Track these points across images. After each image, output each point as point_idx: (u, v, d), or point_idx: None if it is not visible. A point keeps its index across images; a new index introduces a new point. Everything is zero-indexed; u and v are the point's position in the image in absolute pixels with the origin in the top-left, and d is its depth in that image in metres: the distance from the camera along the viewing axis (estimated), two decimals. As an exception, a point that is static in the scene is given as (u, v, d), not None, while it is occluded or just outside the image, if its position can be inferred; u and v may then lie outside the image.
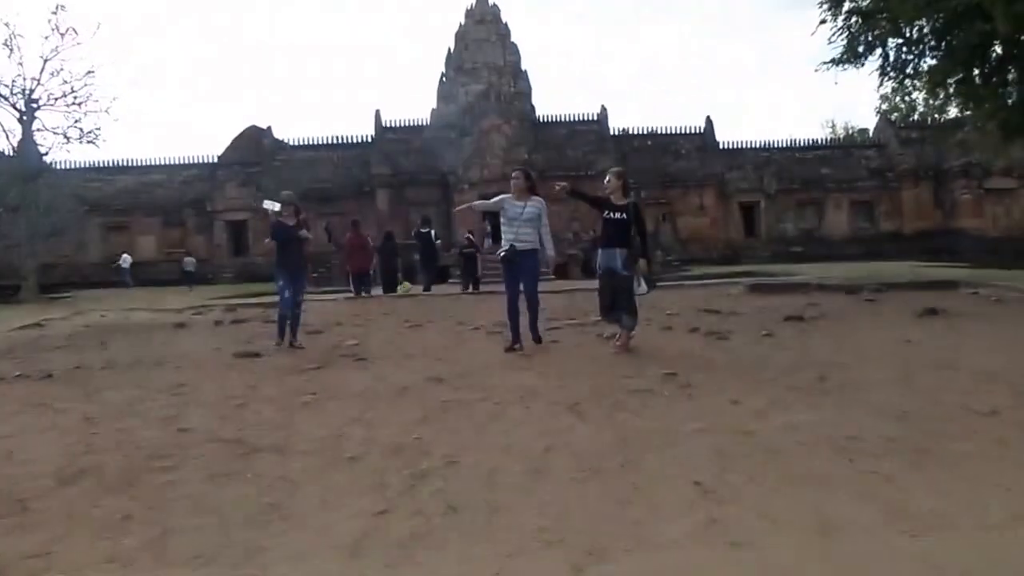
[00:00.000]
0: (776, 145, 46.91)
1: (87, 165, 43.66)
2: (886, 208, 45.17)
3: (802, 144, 47.83)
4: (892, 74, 22.93)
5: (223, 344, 10.79)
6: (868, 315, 11.49)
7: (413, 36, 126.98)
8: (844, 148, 48.35)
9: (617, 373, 7.35)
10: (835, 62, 22.45)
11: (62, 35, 27.19)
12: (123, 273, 38.54)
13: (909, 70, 22.62)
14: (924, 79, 22.31)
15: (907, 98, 66.86)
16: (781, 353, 8.31)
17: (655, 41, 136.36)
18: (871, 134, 51.34)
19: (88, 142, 28.03)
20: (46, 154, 29.98)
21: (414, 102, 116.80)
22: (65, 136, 27.89)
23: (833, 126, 76.98)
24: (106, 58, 52.81)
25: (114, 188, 43.56)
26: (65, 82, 27.37)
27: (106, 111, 28.98)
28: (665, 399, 6.16)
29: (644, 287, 8.88)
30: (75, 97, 27.39)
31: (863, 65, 22.55)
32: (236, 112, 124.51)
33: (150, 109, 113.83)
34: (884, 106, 68.46)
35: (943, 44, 21.11)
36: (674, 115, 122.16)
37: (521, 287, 9.05)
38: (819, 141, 50.96)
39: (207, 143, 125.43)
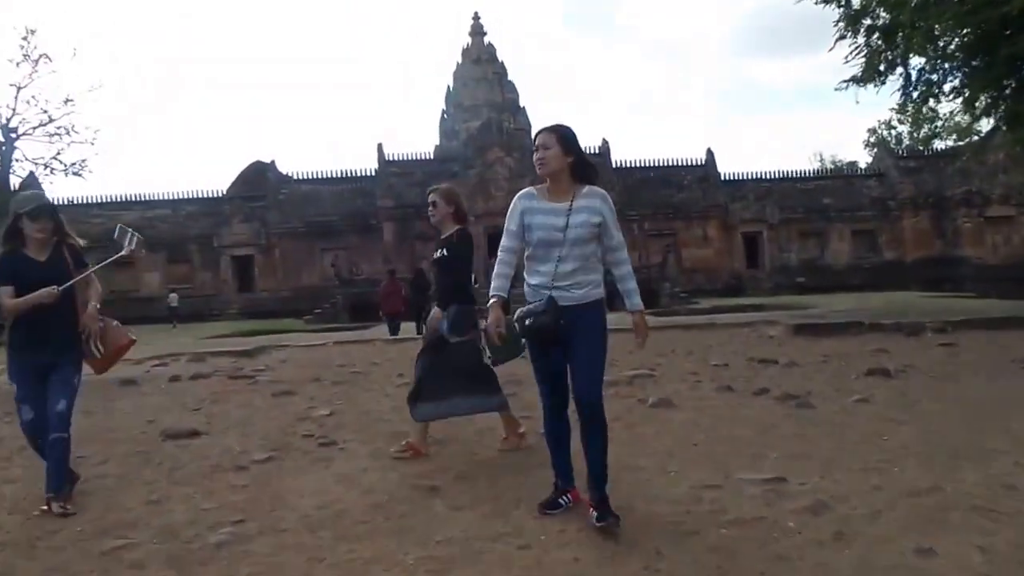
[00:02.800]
0: (777, 176, 44.49)
1: (90, 200, 41.21)
2: (887, 237, 42.78)
3: (803, 175, 45.45)
4: (915, 93, 20.49)
5: (161, 413, 8.10)
6: (961, 366, 8.80)
7: (415, 73, 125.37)
8: (845, 178, 46.01)
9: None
10: (855, 81, 20.06)
11: (35, 62, 24.63)
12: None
13: (935, 87, 20.13)
14: (955, 97, 19.82)
15: (892, 131, 65.36)
16: (900, 431, 5.64)
17: (651, 76, 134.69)
18: (870, 163, 48.97)
19: (74, 174, 25.44)
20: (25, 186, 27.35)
21: (416, 138, 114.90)
22: (47, 167, 25.27)
23: (821, 159, 74.94)
24: (86, 86, 49.61)
25: (117, 223, 40.97)
26: (44, 111, 24.80)
27: (91, 143, 26.41)
28: (806, 542, 3.48)
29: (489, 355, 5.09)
30: (56, 127, 24.83)
31: (884, 83, 20.13)
32: (242, 148, 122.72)
33: (156, 144, 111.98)
34: (872, 139, 66.68)
35: (974, 61, 18.66)
36: (673, 148, 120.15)
37: (570, 380, 4.01)
38: (819, 171, 48.70)
39: (213, 179, 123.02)
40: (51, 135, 25.00)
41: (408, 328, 19.65)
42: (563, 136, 3.92)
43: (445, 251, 5.60)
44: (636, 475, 4.83)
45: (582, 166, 3.97)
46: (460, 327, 5.53)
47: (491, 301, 3.96)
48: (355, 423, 7.07)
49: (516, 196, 4.06)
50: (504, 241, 3.99)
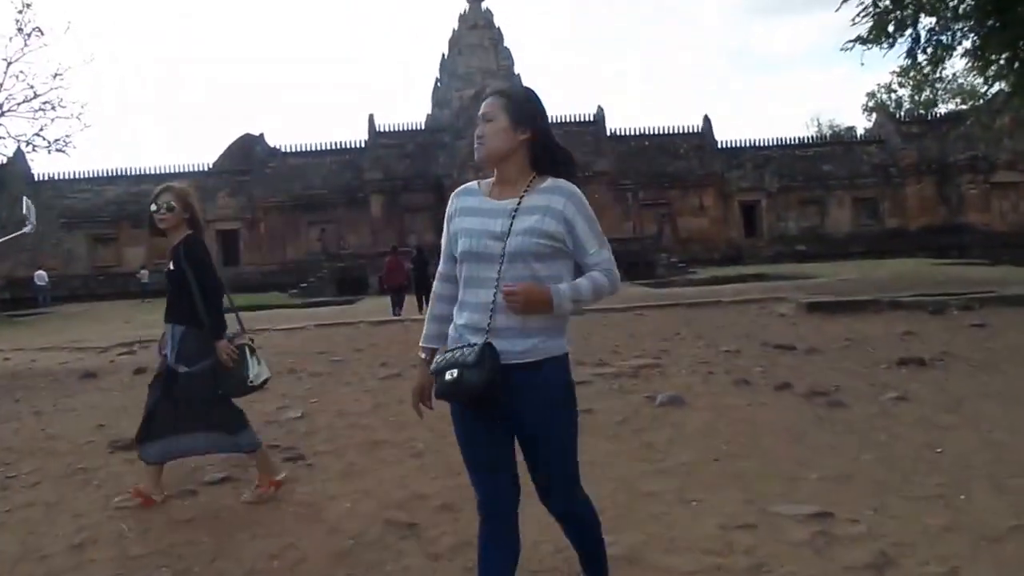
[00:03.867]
0: (775, 143, 43.52)
1: (75, 175, 40.20)
2: (890, 204, 41.95)
3: (802, 141, 44.48)
4: (923, 56, 19.63)
5: (115, 416, 7.30)
6: (1000, 352, 8.02)
7: (408, 42, 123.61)
8: (845, 144, 44.95)
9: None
10: (862, 41, 19.15)
11: (27, 36, 23.55)
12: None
13: (945, 49, 19.25)
14: (968, 59, 18.97)
15: (892, 94, 64.25)
16: (954, 441, 4.87)
17: (648, 42, 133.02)
18: (870, 129, 47.94)
19: (57, 150, 24.41)
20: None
21: (408, 108, 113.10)
22: (30, 144, 24.25)
23: (819, 124, 73.78)
24: (77, 61, 48.06)
25: (102, 199, 40.05)
26: (30, 86, 23.73)
27: (77, 117, 25.33)
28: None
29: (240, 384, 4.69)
30: (42, 103, 23.77)
31: (892, 46, 19.24)
32: (233, 121, 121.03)
33: (145, 119, 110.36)
34: (871, 103, 65.56)
35: (988, 21, 17.78)
36: (671, 115, 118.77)
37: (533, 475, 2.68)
38: (818, 138, 47.75)
39: (202, 153, 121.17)
40: (35, 111, 23.89)
41: (410, 310, 18.97)
42: (515, 103, 2.54)
43: (173, 264, 4.59)
44: (649, 506, 4.06)
45: (545, 149, 2.54)
46: (190, 355, 4.55)
47: (422, 355, 2.71)
48: (328, 428, 6.29)
49: (453, 193, 2.72)
50: (440, 266, 2.72)
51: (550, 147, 2.55)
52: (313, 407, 7.14)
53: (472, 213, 2.55)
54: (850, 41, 19.74)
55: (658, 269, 33.05)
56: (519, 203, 2.47)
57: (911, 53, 19.54)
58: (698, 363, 8.25)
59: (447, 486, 4.59)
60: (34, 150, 24.54)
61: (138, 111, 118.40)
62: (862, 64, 56.61)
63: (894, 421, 5.43)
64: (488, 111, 2.54)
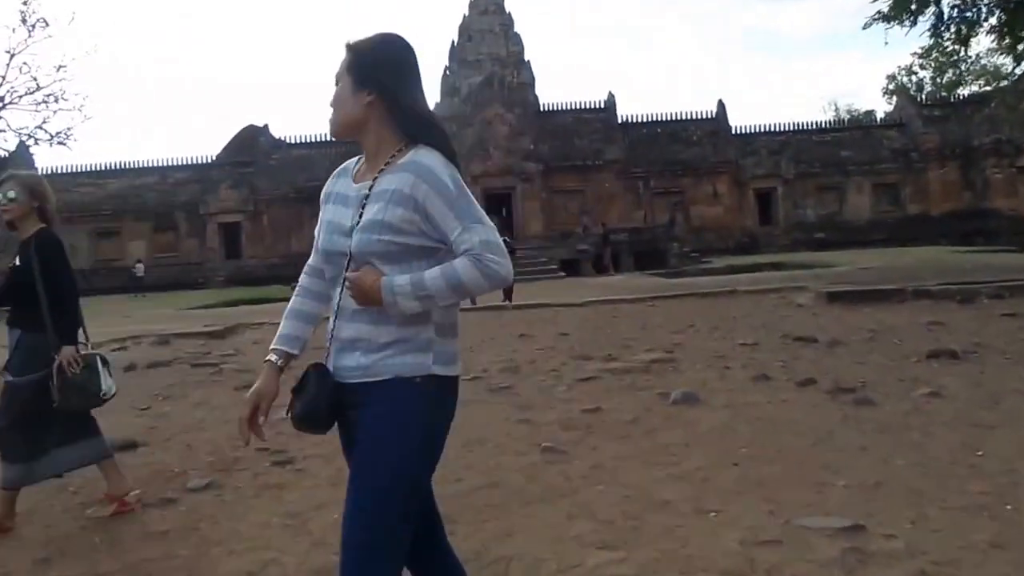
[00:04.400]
0: (791, 128, 42.99)
1: (77, 169, 40.13)
2: (911, 190, 41.34)
3: (819, 126, 43.93)
4: (947, 33, 19.24)
5: (103, 415, 7.02)
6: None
7: (416, 29, 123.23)
8: (864, 128, 44.37)
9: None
10: (884, 17, 18.75)
11: (32, 27, 23.35)
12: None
13: (970, 26, 18.88)
14: (993, 37, 18.58)
15: (913, 76, 63.53)
16: (995, 442, 4.57)
17: (660, 27, 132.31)
18: (890, 112, 47.35)
19: (59, 143, 24.25)
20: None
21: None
22: (31, 137, 24.06)
23: (836, 109, 73.03)
24: (80, 52, 48.14)
25: (104, 192, 39.98)
26: (33, 79, 23.55)
27: (79, 109, 25.18)
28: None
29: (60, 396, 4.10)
30: (44, 95, 23.60)
31: (914, 23, 18.84)
32: (236, 112, 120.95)
33: (148, 111, 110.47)
34: (891, 86, 64.83)
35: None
36: (684, 100, 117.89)
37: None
38: (835, 122, 47.18)
39: (207, 145, 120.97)
40: (38, 103, 23.72)
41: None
42: (358, 57, 2.07)
43: (20, 260, 4.14)
44: (664, 517, 3.78)
45: (405, 114, 2.04)
46: (20, 363, 4.12)
47: (265, 358, 2.26)
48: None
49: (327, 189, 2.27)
50: (310, 258, 2.30)
51: (401, 108, 2.03)
52: (307, 407, 6.89)
53: (335, 200, 2.15)
54: (871, 18, 19.37)
55: (670, 259, 32.71)
56: (371, 187, 2.02)
57: (935, 30, 19.15)
58: (714, 357, 7.96)
59: (443, 494, 4.29)
60: (36, 143, 24.39)
61: (141, 103, 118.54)
62: (885, 43, 55.59)
63: (928, 420, 5.13)
64: (337, 72, 2.12)
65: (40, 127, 23.87)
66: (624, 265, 32.16)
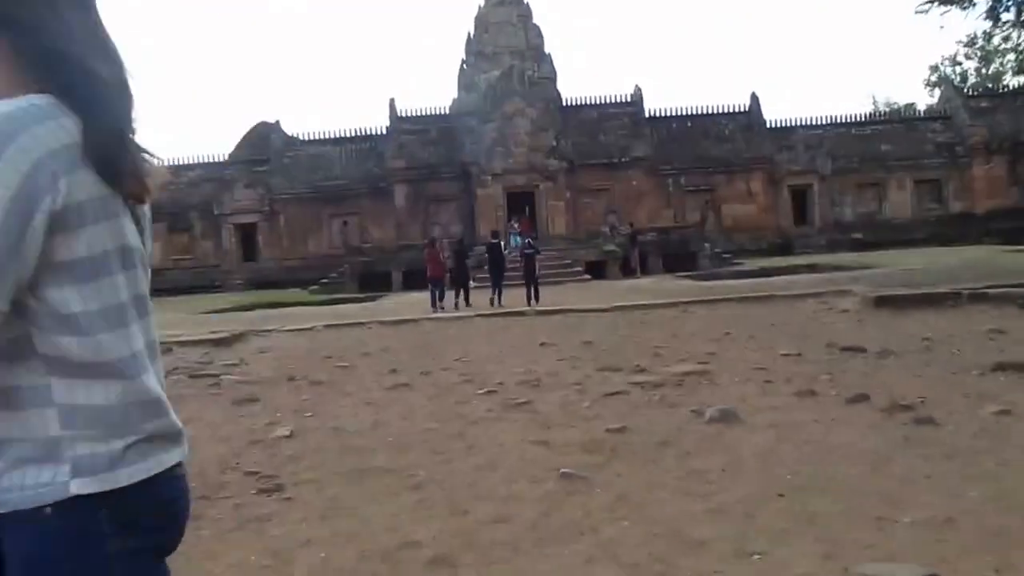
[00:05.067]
0: (828, 121, 42.14)
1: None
2: (955, 186, 40.33)
3: (858, 119, 43.02)
4: (1008, 15, 18.64)
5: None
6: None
7: (431, 21, 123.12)
8: (906, 122, 43.27)
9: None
10: (941, 0, 18.22)
11: None
12: None
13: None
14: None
15: (958, 67, 62.44)
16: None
17: (687, 17, 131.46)
18: (933, 105, 46.33)
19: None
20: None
21: (432, 92, 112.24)
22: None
23: (874, 102, 71.97)
24: None
25: (114, 192, 39.89)
26: None
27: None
28: None
29: None
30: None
31: (973, 5, 18.25)
32: (246, 108, 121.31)
33: (157, 108, 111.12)
34: (933, 77, 63.79)
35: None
36: (714, 94, 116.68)
37: None
38: (875, 115, 46.27)
39: (218, 142, 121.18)
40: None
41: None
42: None
43: None
44: (699, 561, 3.34)
45: (38, 57, 1.18)
46: None
47: None
48: (317, 451, 5.62)
49: None
50: None
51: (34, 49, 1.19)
52: (306, 423, 6.49)
53: None
54: (926, 2, 18.85)
55: (701, 260, 32.07)
56: None
57: (992, 12, 18.55)
58: (753, 369, 7.49)
59: (446, 529, 3.90)
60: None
61: (149, 100, 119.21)
62: (941, 28, 54.38)
63: (1001, 443, 4.65)
64: None
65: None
66: (652, 267, 31.58)
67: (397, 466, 5.06)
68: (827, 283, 18.12)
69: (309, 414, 6.78)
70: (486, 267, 21.95)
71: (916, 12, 21.25)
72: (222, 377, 8.72)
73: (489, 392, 7.14)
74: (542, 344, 10.13)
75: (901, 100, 66.83)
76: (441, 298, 20.16)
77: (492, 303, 18.80)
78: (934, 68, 63.94)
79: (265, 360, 10.17)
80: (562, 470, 4.65)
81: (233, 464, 5.44)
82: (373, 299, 25.93)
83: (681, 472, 4.57)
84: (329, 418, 6.60)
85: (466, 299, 20.07)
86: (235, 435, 6.23)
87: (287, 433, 6.07)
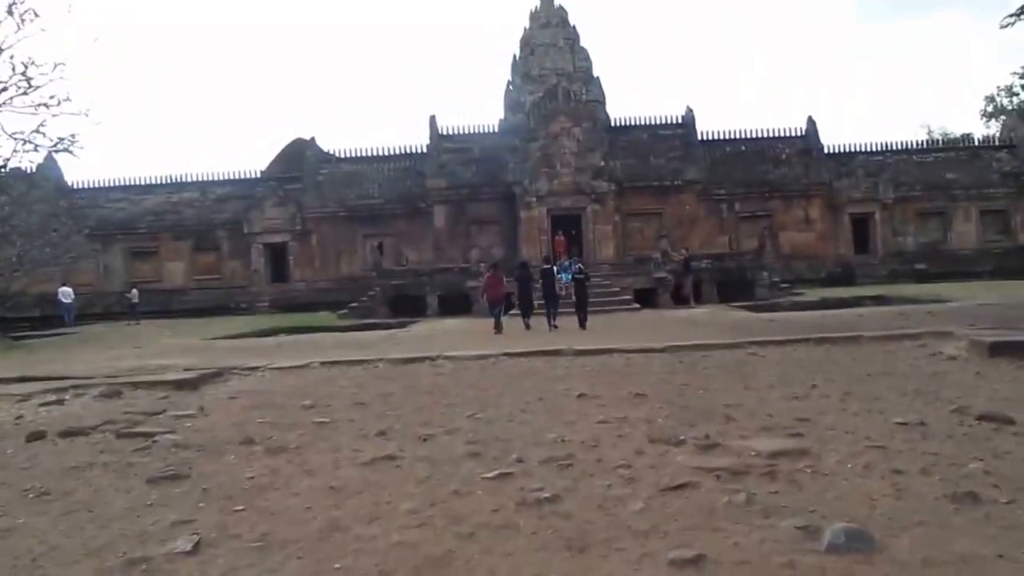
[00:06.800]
0: (889, 148, 39.72)
1: (111, 183, 38.96)
2: (1022, 217, 37.72)
3: (920, 146, 40.56)
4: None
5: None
6: None
7: (476, 42, 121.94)
8: (971, 150, 40.65)
9: None
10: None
11: (21, 19, 21.57)
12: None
13: None
14: None
15: (1015, 97, 59.52)
16: None
17: (740, 40, 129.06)
18: (998, 133, 43.66)
19: (63, 150, 22.50)
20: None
21: (478, 113, 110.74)
22: (29, 143, 22.28)
23: (929, 131, 69.31)
24: (80, 50, 45.71)
25: (140, 208, 38.58)
26: (23, 75, 21.69)
27: (85, 114, 23.20)
28: None
29: None
30: (42, 97, 21.80)
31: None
32: (285, 125, 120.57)
33: (190, 124, 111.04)
34: (989, 108, 61.03)
35: None
36: (770, 117, 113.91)
37: None
38: (936, 142, 43.70)
39: (253, 159, 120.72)
40: (36, 105, 21.94)
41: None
42: None
43: None
44: None
45: None
46: None
47: None
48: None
49: None
50: None
51: None
52: (228, 526, 4.42)
53: None
54: (1010, 15, 17.07)
55: (759, 289, 29.75)
56: None
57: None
58: (867, 447, 5.33)
59: None
60: (36, 149, 22.64)
61: (183, 115, 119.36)
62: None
63: None
64: None
65: (38, 131, 22.05)
66: (706, 296, 29.34)
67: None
68: (902, 318, 15.88)
69: (241, 507, 4.73)
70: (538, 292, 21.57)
71: (1001, 26, 19.39)
72: (159, 437, 6.67)
73: (501, 476, 5.07)
74: (580, 396, 8.02)
75: (956, 131, 64.20)
76: (499, 318, 20.45)
77: (549, 327, 19.62)
78: (990, 99, 61.54)
79: (230, 410, 8.16)
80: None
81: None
82: (404, 325, 24.01)
83: None
84: (264, 519, 4.53)
85: (552, 320, 20.41)
86: (112, 546, 4.20)
87: (188, 548, 4.02)
